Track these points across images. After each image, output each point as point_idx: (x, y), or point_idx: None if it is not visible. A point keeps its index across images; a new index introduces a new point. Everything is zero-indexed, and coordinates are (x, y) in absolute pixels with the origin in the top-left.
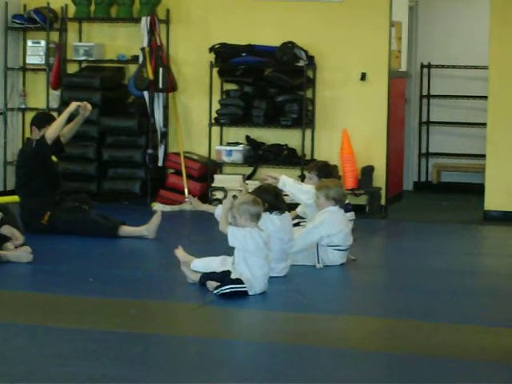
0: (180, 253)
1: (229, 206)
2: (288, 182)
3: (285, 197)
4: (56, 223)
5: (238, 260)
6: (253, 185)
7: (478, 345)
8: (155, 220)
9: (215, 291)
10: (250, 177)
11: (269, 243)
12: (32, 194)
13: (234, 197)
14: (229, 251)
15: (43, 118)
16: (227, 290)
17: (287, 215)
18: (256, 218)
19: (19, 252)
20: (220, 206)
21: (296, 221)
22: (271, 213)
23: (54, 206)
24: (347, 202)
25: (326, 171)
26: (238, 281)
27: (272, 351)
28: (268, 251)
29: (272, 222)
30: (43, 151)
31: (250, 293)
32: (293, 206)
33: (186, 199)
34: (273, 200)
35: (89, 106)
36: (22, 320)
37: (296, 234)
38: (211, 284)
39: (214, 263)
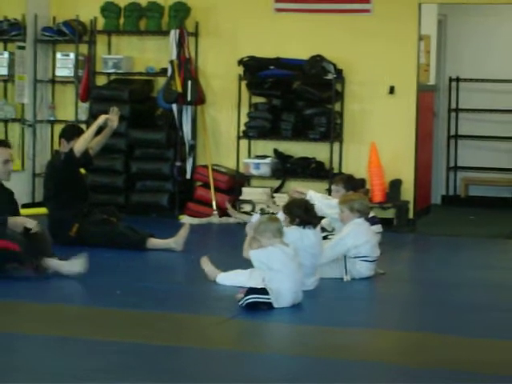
0: (206, 265)
1: (252, 234)
2: (315, 197)
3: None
4: (84, 235)
5: (265, 277)
6: (281, 197)
7: (504, 360)
8: (183, 233)
9: (240, 302)
10: (277, 190)
11: (296, 256)
12: (60, 206)
13: (262, 210)
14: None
15: (72, 131)
16: (250, 300)
17: (319, 229)
18: (278, 233)
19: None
20: (255, 215)
21: (323, 234)
22: (304, 227)
23: (82, 218)
24: (373, 214)
25: (352, 184)
26: (263, 291)
27: (300, 364)
28: (297, 265)
29: (307, 236)
30: (72, 164)
31: (275, 305)
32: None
33: (214, 212)
34: (304, 214)
35: (115, 114)
36: (50, 332)
37: (323, 246)
38: (239, 296)
39: (240, 277)
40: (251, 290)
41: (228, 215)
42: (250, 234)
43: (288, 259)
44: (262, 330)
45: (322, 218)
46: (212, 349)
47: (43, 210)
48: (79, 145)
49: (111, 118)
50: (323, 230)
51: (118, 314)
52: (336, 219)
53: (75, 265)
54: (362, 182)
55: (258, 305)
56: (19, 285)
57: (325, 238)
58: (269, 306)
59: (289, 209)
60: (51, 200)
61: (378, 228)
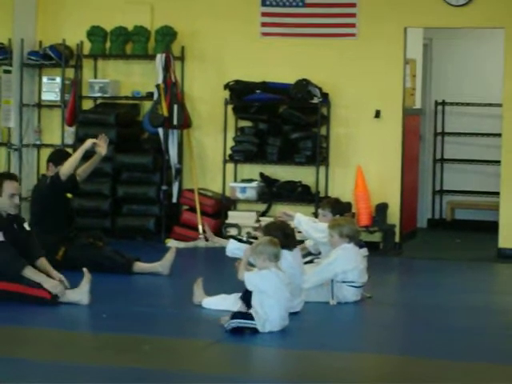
0: (198, 287)
1: (249, 255)
2: (303, 220)
3: (298, 233)
4: (70, 259)
5: (254, 301)
6: (267, 221)
7: (487, 382)
8: (169, 256)
9: (225, 325)
10: (264, 214)
11: (289, 283)
12: (47, 230)
13: (248, 233)
14: (242, 289)
15: (60, 155)
16: (234, 324)
17: (297, 250)
18: (274, 257)
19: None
20: (232, 240)
21: (309, 258)
22: (282, 249)
23: (68, 242)
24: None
25: (339, 208)
26: (249, 316)
27: None
28: (289, 291)
29: (284, 257)
30: (57, 188)
31: (260, 330)
32: (302, 240)
33: (202, 232)
34: (282, 238)
35: (104, 141)
36: (34, 357)
37: (309, 270)
38: (224, 319)
39: (226, 301)
40: (237, 314)
41: None
42: (246, 256)
43: (281, 284)
44: (247, 354)
45: (301, 241)
46: (198, 373)
47: None
48: (65, 168)
49: (99, 143)
50: (309, 254)
51: (103, 337)
52: (323, 243)
53: (82, 294)
54: (348, 205)
55: (243, 329)
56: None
57: (310, 261)
58: (253, 330)
59: (268, 230)
60: (37, 224)
61: (364, 251)
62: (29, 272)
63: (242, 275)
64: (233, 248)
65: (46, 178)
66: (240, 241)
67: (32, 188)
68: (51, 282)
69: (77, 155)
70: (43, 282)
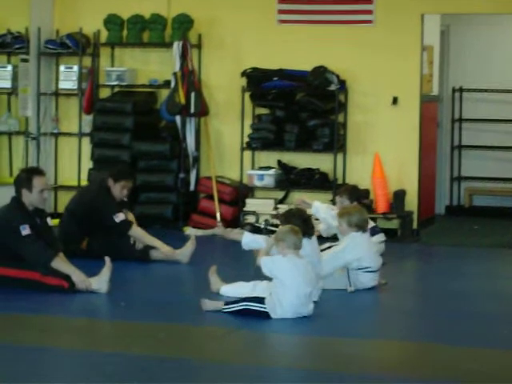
0: (213, 275)
1: (271, 244)
2: (321, 208)
3: (315, 220)
4: (94, 249)
5: (272, 285)
6: (285, 209)
7: (507, 368)
8: (189, 245)
9: (224, 307)
10: (281, 201)
11: (309, 271)
12: (74, 224)
13: (266, 221)
14: (260, 277)
15: (123, 172)
16: (242, 307)
17: (315, 238)
18: (293, 245)
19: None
20: (246, 234)
21: (328, 245)
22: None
23: (92, 234)
24: (374, 224)
25: (357, 194)
26: (259, 300)
27: (303, 376)
28: (307, 279)
29: (303, 246)
30: (118, 228)
31: (272, 316)
32: None
33: (218, 224)
34: (301, 225)
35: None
36: (55, 344)
37: (324, 257)
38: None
39: (243, 289)
40: (246, 298)
41: (232, 226)
42: (269, 244)
43: (297, 272)
44: (266, 341)
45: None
46: (216, 361)
47: (54, 222)
48: (137, 232)
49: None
50: (322, 238)
51: (121, 325)
52: None
53: (102, 282)
54: (366, 192)
55: (252, 313)
56: (18, 297)
57: (329, 247)
58: (265, 315)
59: (287, 218)
60: (70, 217)
61: (381, 237)
62: (58, 263)
63: (260, 261)
64: (248, 241)
65: (105, 190)
66: (254, 231)
67: (85, 189)
68: (80, 275)
69: (153, 242)
70: (72, 274)
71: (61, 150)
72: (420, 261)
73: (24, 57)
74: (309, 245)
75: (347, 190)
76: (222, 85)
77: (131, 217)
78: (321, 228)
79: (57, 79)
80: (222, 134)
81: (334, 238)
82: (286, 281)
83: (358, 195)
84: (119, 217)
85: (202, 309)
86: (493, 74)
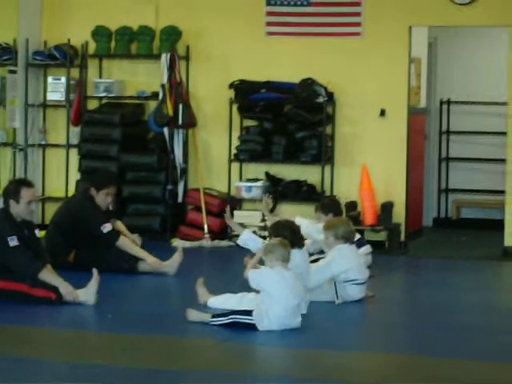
0: (200, 287)
1: (261, 255)
2: (303, 223)
3: None
4: (81, 261)
5: (258, 298)
6: (273, 220)
7: (493, 381)
8: (177, 257)
9: (212, 319)
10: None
11: (296, 283)
12: (61, 235)
13: (254, 233)
14: (247, 289)
15: (104, 179)
16: (231, 320)
17: (305, 250)
18: (281, 257)
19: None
20: (247, 230)
21: (315, 257)
22: (292, 248)
23: (79, 245)
24: (359, 236)
25: (330, 208)
26: (247, 312)
27: None
28: (295, 291)
29: (293, 257)
30: (105, 238)
31: (259, 328)
32: None
33: (205, 236)
34: (291, 236)
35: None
36: (43, 355)
37: (311, 269)
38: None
39: (231, 301)
40: (234, 312)
41: (220, 238)
42: (258, 256)
43: (284, 284)
44: (253, 353)
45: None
46: (203, 372)
47: (41, 234)
48: (124, 242)
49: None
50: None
51: (108, 337)
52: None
53: (89, 294)
54: (354, 204)
55: (239, 325)
56: (5, 309)
57: (316, 260)
58: (252, 327)
59: (275, 230)
60: (55, 229)
61: (367, 249)
62: (45, 275)
63: (247, 273)
64: (246, 238)
65: (90, 200)
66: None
67: (69, 200)
68: (67, 287)
69: (140, 253)
70: (59, 286)
71: (48, 162)
72: (407, 273)
73: (12, 68)
74: (299, 255)
75: (321, 205)
76: (210, 96)
77: (119, 225)
78: (307, 243)
79: (45, 90)
80: (210, 146)
81: (321, 252)
82: (274, 293)
83: (331, 208)
84: (106, 227)
85: (188, 319)
86: (480, 87)
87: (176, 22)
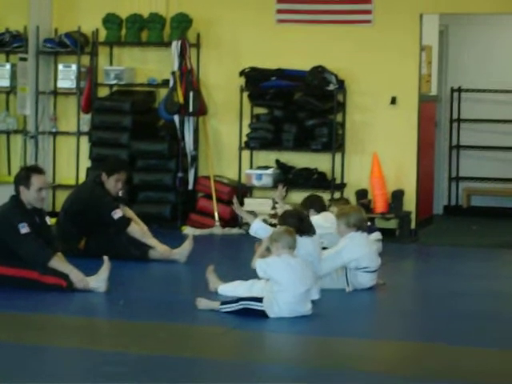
0: (210, 274)
1: (266, 246)
2: None
3: None
4: (91, 248)
5: (268, 286)
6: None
7: (506, 369)
8: (187, 245)
9: (222, 306)
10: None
11: (304, 270)
12: (71, 223)
13: (264, 221)
14: (257, 276)
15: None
16: (241, 306)
17: (316, 237)
18: (287, 245)
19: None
20: (257, 220)
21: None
22: (301, 236)
23: (90, 233)
24: (369, 223)
25: (312, 205)
26: (257, 299)
27: (300, 374)
28: (303, 278)
29: (304, 244)
30: (117, 225)
31: (269, 314)
32: None
33: (216, 223)
34: (298, 223)
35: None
36: (54, 342)
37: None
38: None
39: (241, 288)
40: (244, 298)
41: (230, 226)
42: (265, 244)
43: (291, 271)
44: (263, 340)
45: None
46: (214, 359)
47: (52, 221)
48: (134, 229)
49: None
50: None
51: (120, 324)
52: (322, 235)
53: (100, 281)
54: (364, 192)
55: (250, 312)
56: (16, 296)
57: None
58: (262, 314)
59: (283, 219)
60: (66, 216)
61: (377, 235)
62: (56, 262)
63: (255, 263)
64: (256, 227)
65: (101, 187)
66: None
67: (80, 187)
68: (78, 274)
69: (150, 240)
70: (70, 273)
71: (59, 149)
72: (418, 261)
73: (22, 55)
74: (311, 243)
75: (302, 205)
76: (221, 84)
77: (130, 212)
78: None
79: (55, 78)
80: (221, 134)
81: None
82: (282, 281)
83: (313, 204)
84: (117, 213)
85: (197, 307)
86: (491, 74)
87: (186, 9)
